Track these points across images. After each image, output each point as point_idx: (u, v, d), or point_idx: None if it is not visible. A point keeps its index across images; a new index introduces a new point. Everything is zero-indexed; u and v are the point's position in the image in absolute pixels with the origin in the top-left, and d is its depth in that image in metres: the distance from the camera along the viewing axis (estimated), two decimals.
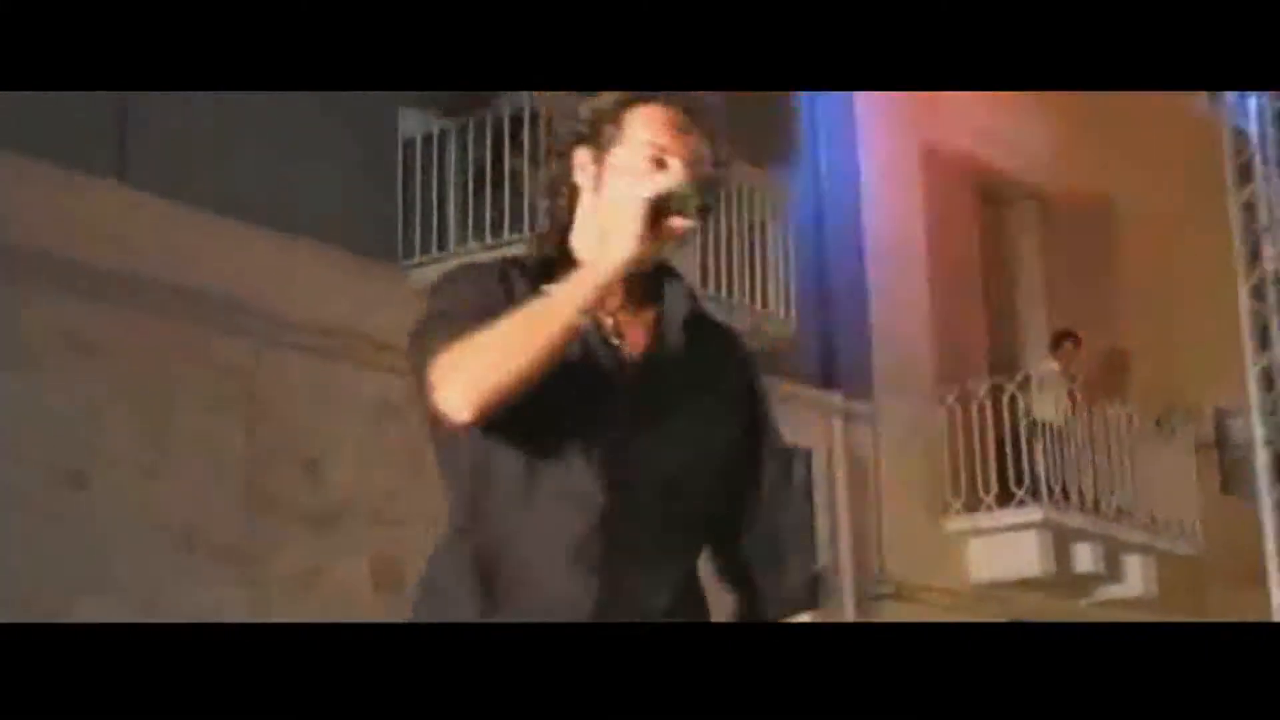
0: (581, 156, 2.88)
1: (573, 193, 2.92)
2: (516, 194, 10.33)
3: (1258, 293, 12.79)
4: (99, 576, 8.79)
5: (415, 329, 2.85)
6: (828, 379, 13.10)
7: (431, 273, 10.51)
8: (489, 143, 10.59)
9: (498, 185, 10.49)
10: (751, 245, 11.64)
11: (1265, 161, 12.94)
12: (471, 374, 2.68)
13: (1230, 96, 13.05)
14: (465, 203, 10.64)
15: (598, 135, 2.87)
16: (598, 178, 2.87)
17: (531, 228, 10.17)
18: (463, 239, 10.58)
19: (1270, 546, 12.44)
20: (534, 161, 10.33)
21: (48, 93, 8.81)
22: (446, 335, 2.73)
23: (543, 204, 3.02)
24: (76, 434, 8.94)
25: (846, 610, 12.80)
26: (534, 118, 10.41)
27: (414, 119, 10.73)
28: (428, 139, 10.72)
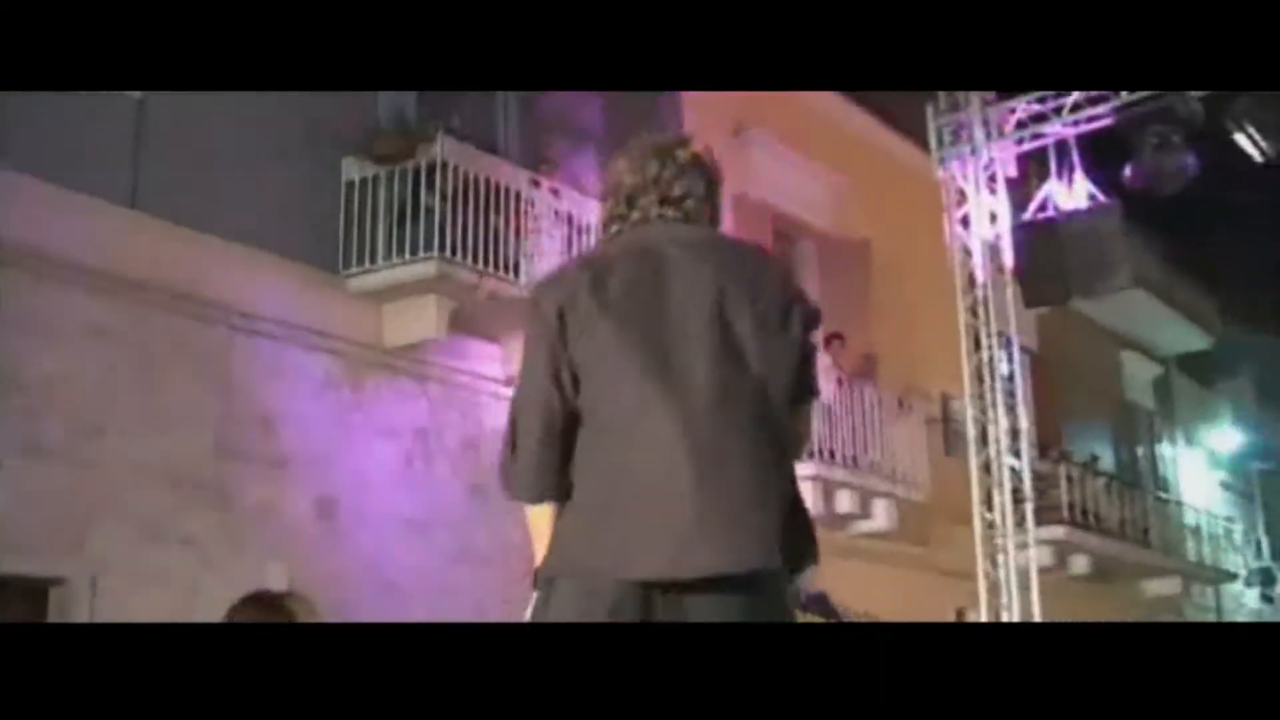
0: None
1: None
2: (430, 223, 10.35)
3: (972, 310, 13.01)
4: (109, 507, 8.84)
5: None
6: None
7: (364, 281, 10.60)
8: (410, 185, 10.54)
9: (415, 217, 10.47)
10: None
11: (978, 213, 13.15)
12: None
13: (954, 163, 13.33)
14: (390, 229, 10.59)
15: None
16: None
17: (441, 249, 10.40)
18: (388, 255, 10.54)
19: (976, 495, 12.76)
20: (444, 199, 10.54)
21: (81, 136, 9.02)
22: None
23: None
24: (94, 398, 8.93)
25: None
26: (443, 166, 10.48)
27: (354, 166, 10.66)
28: (364, 181, 10.64)
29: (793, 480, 2.92)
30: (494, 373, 11.48)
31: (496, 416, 11.42)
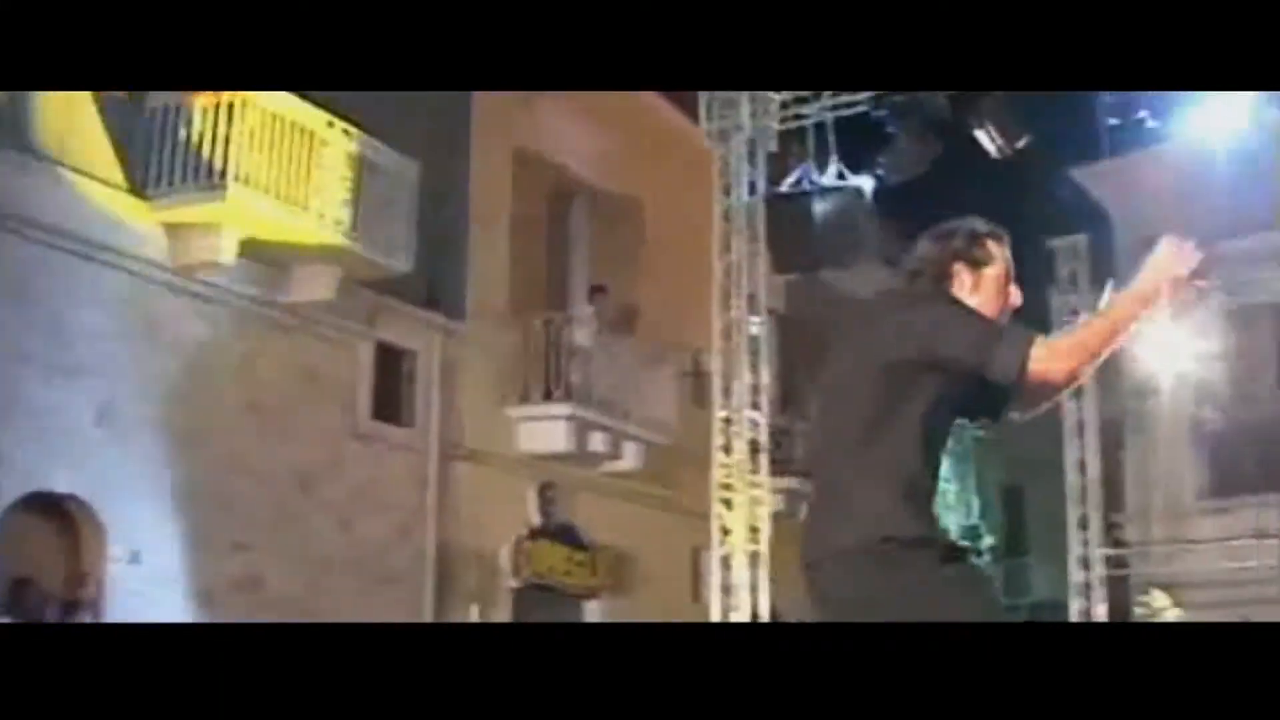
0: (959, 267, 3.52)
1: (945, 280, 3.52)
2: (226, 155, 10.83)
3: (726, 272, 13.70)
4: None
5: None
6: (433, 303, 13.76)
7: (162, 205, 10.99)
8: (212, 117, 10.84)
9: (214, 147, 10.88)
10: (387, 210, 12.33)
11: (739, 183, 13.83)
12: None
13: (720, 134, 13.92)
14: (190, 157, 11.00)
15: (977, 261, 3.53)
16: (976, 284, 3.50)
17: (235, 180, 10.83)
18: (185, 182, 10.99)
19: (718, 442, 13.43)
20: (242, 133, 10.87)
21: None
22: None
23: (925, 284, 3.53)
24: None
25: (430, 465, 13.56)
26: (244, 103, 10.81)
27: (160, 95, 10.86)
28: (167, 109, 10.94)
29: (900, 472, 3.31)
30: (277, 298, 12.11)
31: (276, 340, 12.07)
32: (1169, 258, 3.29)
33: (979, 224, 3.60)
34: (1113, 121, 16.74)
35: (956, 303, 3.46)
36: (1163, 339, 16.19)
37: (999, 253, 3.59)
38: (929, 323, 3.33)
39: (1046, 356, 3.20)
